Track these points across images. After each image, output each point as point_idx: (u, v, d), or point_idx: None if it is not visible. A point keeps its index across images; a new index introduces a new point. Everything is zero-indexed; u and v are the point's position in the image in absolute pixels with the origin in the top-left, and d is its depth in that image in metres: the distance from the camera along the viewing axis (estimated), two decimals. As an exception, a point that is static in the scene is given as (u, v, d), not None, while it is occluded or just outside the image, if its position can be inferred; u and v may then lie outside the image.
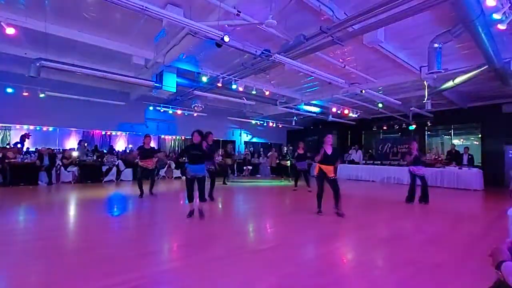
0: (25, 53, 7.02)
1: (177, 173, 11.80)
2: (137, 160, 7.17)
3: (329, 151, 5.04)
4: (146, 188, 7.02)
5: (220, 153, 10.66)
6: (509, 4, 4.05)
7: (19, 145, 9.74)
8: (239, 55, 6.78)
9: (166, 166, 11.43)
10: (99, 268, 2.64)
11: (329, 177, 5.02)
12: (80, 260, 2.84)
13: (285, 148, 12.66)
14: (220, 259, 2.94)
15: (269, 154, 14.93)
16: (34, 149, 10.14)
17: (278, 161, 13.35)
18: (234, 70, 7.77)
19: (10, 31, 5.28)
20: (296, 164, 8.80)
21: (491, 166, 10.75)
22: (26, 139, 9.97)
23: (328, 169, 5.02)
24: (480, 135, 12.02)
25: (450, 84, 7.85)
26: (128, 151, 11.85)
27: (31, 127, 10.54)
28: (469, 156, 10.44)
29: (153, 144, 8.13)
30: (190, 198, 4.80)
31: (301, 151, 8.53)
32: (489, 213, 6.12)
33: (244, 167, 14.27)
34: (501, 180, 10.37)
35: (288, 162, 11.53)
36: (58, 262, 2.81)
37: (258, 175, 14.39)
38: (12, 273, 2.59)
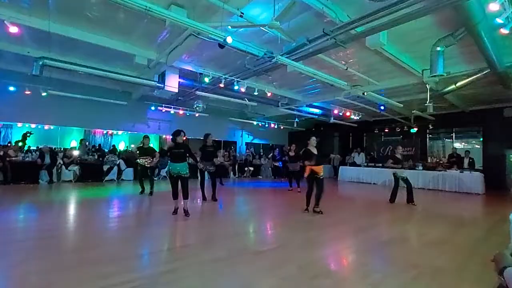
0: (28, 52, 7.03)
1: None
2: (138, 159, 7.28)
3: (315, 152, 5.32)
4: (146, 187, 7.12)
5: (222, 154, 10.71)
6: (512, 9, 4.04)
7: (20, 143, 9.78)
8: (241, 56, 6.78)
9: (167, 166, 11.43)
10: (98, 268, 2.64)
11: (319, 176, 5.28)
12: (79, 260, 2.84)
13: (277, 150, 12.67)
14: (220, 260, 2.94)
15: (270, 155, 14.92)
16: (35, 148, 10.17)
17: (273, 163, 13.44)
18: (236, 71, 7.78)
19: (13, 29, 5.30)
20: (289, 165, 9.03)
21: (493, 170, 10.70)
22: (28, 137, 10.00)
23: (318, 168, 5.29)
24: (481, 139, 11.99)
25: (452, 87, 7.85)
26: (130, 150, 11.87)
27: (33, 126, 10.57)
28: (470, 160, 10.41)
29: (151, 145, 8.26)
30: (175, 196, 4.97)
31: (292, 153, 8.76)
32: (491, 217, 6.10)
33: (246, 168, 14.27)
34: (502, 184, 10.34)
35: (278, 163, 11.67)
36: (58, 261, 2.81)
37: (260, 176, 14.38)
38: (11, 272, 2.59)
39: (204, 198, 6.59)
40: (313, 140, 5.44)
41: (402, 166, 6.75)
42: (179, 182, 4.96)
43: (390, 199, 6.77)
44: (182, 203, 5.00)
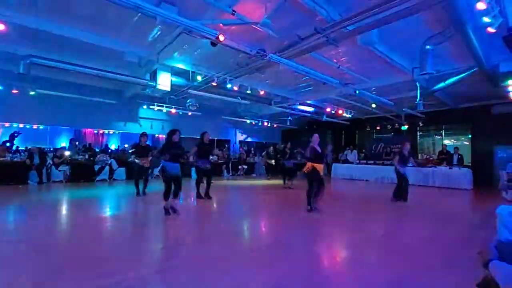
0: (15, 50, 6.86)
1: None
2: (131, 158, 7.05)
3: (318, 149, 5.29)
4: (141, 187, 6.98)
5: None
6: (499, 8, 4.14)
7: (8, 144, 9.55)
8: (234, 54, 6.76)
9: (160, 165, 11.33)
10: (91, 269, 2.61)
11: (320, 174, 5.25)
12: (72, 261, 2.80)
13: (271, 148, 12.57)
14: (214, 258, 2.94)
15: (263, 153, 14.95)
16: (24, 148, 9.94)
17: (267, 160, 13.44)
18: (229, 69, 7.75)
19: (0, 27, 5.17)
20: (285, 162, 9.17)
21: (481, 166, 10.97)
22: (16, 138, 9.78)
23: (320, 167, 5.26)
24: (470, 136, 12.25)
25: (441, 85, 7.98)
26: (121, 150, 11.72)
27: (21, 125, 10.33)
28: (459, 156, 10.64)
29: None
30: (168, 196, 4.79)
31: (288, 151, 8.97)
32: (478, 212, 6.26)
33: (239, 166, 14.26)
34: (490, 180, 10.60)
35: (273, 161, 11.66)
36: (49, 262, 2.77)
37: (253, 174, 14.40)
38: (1, 274, 2.54)
39: (200, 196, 6.51)
40: (316, 138, 5.38)
41: (406, 164, 6.67)
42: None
43: (394, 196, 6.58)
44: (169, 201, 4.86)
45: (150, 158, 7.02)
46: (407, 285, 2.45)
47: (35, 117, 10.13)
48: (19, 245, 3.32)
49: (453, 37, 5.20)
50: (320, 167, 5.26)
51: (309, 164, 5.24)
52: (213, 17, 4.94)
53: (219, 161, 12.91)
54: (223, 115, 14.61)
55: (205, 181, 6.58)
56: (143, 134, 7.07)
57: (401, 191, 6.61)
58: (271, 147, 12.01)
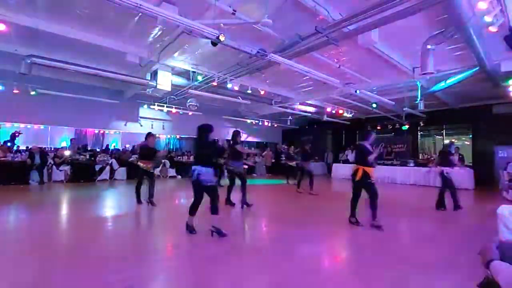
0: (16, 50, 6.88)
1: (172, 172, 11.76)
2: (132, 158, 6.76)
3: (371, 149, 4.37)
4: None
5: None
6: (500, 7, 4.13)
7: (9, 144, 9.57)
8: (234, 54, 6.76)
9: (161, 165, 11.36)
10: (92, 268, 2.61)
11: (371, 180, 4.31)
12: (73, 260, 2.81)
13: (299, 149, 11.31)
14: (215, 257, 2.94)
15: (264, 153, 14.95)
16: (25, 148, 9.97)
17: (273, 160, 13.28)
18: (230, 69, 7.75)
19: (0, 27, 5.18)
20: (302, 164, 8.60)
21: (482, 166, 10.94)
22: (17, 137, 9.80)
23: (371, 171, 4.31)
24: (471, 135, 12.23)
25: (442, 85, 7.97)
26: (121, 150, 11.73)
27: (22, 125, 10.36)
28: (460, 156, 10.61)
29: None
30: (194, 210, 3.72)
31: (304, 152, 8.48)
32: (479, 212, 6.25)
33: (240, 166, 14.24)
34: (491, 180, 10.58)
35: (294, 162, 10.90)
36: (51, 262, 2.78)
37: (254, 174, 14.40)
38: (4, 273, 2.55)
39: (230, 203, 5.89)
40: (373, 137, 4.59)
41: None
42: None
43: (439, 204, 5.81)
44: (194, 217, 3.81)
45: (153, 161, 6.15)
46: (407, 285, 2.44)
47: (36, 117, 10.15)
48: (19, 245, 3.33)
49: (454, 36, 5.18)
50: (371, 171, 4.26)
51: (358, 168, 4.25)
52: (213, 17, 4.94)
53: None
54: (224, 115, 14.61)
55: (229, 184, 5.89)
56: (151, 135, 6.02)
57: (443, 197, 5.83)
58: (298, 148, 10.20)
